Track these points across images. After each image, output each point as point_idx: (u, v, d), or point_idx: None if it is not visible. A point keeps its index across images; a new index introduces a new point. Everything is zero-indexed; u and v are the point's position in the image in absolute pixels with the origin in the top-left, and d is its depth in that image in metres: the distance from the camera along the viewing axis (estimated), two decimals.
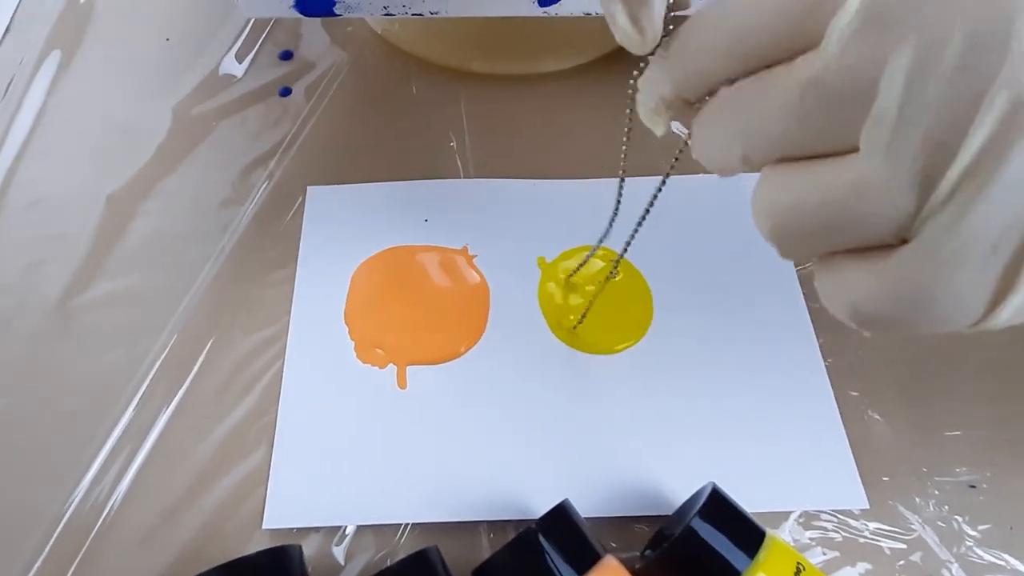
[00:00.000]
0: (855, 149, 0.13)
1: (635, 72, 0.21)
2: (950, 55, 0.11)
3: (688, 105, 0.16)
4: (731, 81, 0.15)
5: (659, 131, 0.18)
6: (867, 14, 0.12)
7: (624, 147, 0.24)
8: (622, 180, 0.24)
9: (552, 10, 0.30)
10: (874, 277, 0.13)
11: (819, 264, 0.15)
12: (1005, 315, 0.13)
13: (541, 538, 0.22)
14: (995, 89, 0.11)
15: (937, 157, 0.12)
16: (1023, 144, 0.11)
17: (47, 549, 0.25)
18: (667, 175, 0.22)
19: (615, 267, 0.26)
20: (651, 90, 0.17)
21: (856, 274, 0.14)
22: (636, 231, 0.24)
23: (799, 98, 0.13)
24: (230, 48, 0.39)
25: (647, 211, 0.23)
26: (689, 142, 0.17)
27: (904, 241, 0.13)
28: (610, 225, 0.26)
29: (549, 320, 0.30)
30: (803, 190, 0.14)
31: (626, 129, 0.24)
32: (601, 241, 0.26)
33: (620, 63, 0.39)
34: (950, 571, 0.25)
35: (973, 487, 0.27)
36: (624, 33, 0.16)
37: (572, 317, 0.29)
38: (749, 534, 0.22)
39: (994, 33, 0.11)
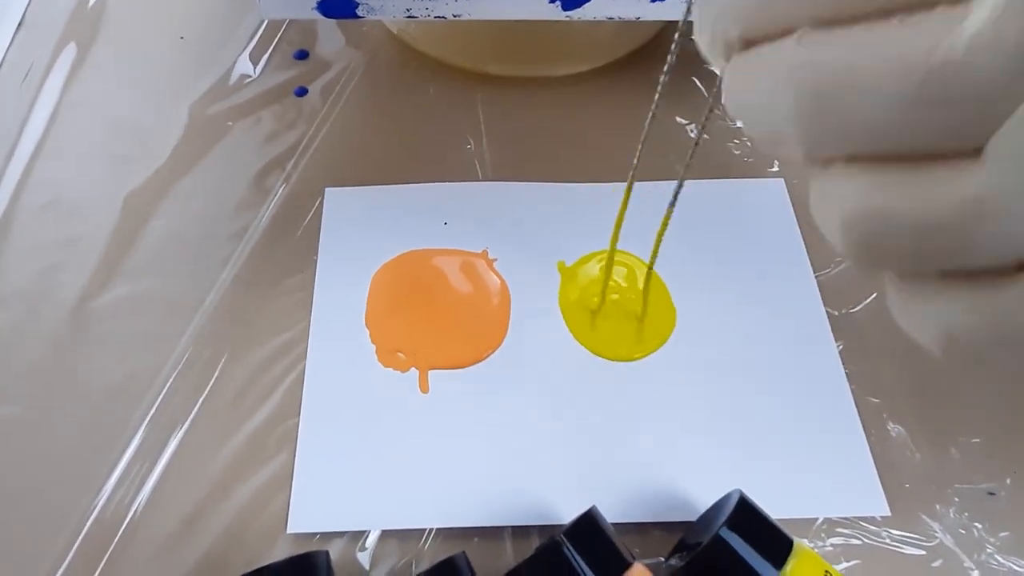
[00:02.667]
0: (977, 154, 0.10)
1: (661, 77, 0.21)
2: None
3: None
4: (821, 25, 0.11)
5: (717, 68, 0.13)
6: None
7: (639, 151, 0.24)
8: (630, 184, 0.24)
9: (575, 14, 0.30)
10: (978, 310, 0.11)
11: (901, 283, 0.12)
12: None
13: (569, 546, 0.22)
14: None
15: None
16: None
17: (69, 557, 0.25)
18: (682, 178, 0.22)
19: (648, 274, 0.26)
20: (710, 22, 0.13)
21: (955, 303, 0.11)
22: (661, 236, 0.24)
23: (921, 81, 0.10)
24: (245, 47, 0.39)
25: (670, 210, 0.24)
26: (722, 84, 0.13)
27: (1022, 268, 0.11)
28: (616, 230, 0.26)
29: (570, 325, 0.30)
30: (902, 201, 0.11)
31: (643, 137, 0.24)
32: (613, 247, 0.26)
33: (637, 66, 0.39)
34: None
35: (993, 494, 0.27)
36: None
37: (595, 300, 0.29)
38: (777, 543, 0.22)
39: None
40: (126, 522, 0.26)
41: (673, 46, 0.20)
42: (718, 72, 0.13)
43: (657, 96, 0.22)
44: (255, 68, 0.39)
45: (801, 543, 0.23)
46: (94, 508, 0.26)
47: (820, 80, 0.11)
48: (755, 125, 0.12)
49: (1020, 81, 0.09)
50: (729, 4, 0.12)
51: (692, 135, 0.35)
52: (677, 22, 0.19)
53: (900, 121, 0.10)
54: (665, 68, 0.20)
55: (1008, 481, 0.27)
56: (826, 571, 0.22)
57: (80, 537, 0.26)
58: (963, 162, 0.10)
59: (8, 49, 0.40)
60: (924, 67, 0.10)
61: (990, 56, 0.09)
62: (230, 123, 0.37)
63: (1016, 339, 0.11)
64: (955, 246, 0.11)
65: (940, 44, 0.09)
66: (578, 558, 0.21)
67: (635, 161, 0.24)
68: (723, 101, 0.13)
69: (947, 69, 0.09)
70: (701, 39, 0.13)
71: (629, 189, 0.24)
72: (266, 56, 0.39)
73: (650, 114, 0.23)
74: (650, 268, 0.25)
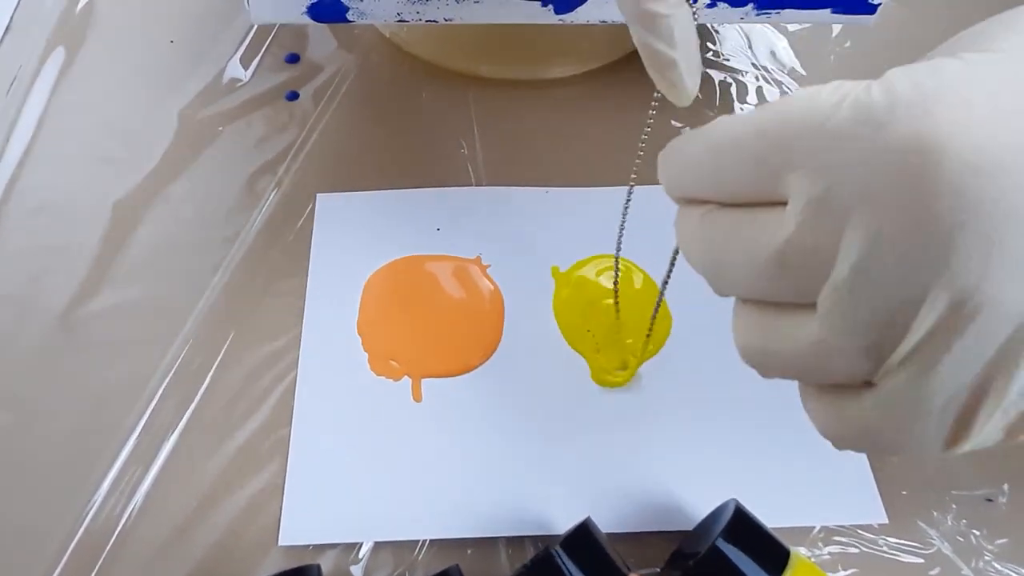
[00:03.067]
0: (813, 307, 0.13)
1: (656, 93, 0.21)
2: (892, 254, 0.12)
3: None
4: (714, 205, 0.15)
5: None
6: (820, 198, 0.13)
7: (639, 157, 0.24)
8: (631, 189, 0.24)
9: (568, 18, 0.30)
10: (841, 412, 0.14)
11: (801, 386, 0.16)
12: (961, 451, 0.13)
13: (564, 557, 0.21)
14: (936, 289, 0.12)
15: (885, 335, 0.13)
16: (962, 338, 0.12)
17: (59, 567, 0.25)
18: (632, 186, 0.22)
19: (662, 295, 0.25)
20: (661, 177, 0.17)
21: (826, 406, 0.15)
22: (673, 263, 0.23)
23: (768, 262, 0.14)
24: (236, 51, 0.39)
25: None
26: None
27: (869, 383, 0.14)
28: (620, 234, 0.25)
29: (564, 331, 0.30)
30: (770, 337, 0.15)
31: (642, 141, 0.24)
32: (618, 253, 0.26)
33: (631, 68, 0.38)
34: None
35: (990, 501, 0.27)
36: (664, 91, 0.20)
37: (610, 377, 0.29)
38: (774, 553, 0.22)
39: (934, 239, 0.11)
40: (116, 533, 0.26)
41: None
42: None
43: (654, 104, 0.22)
44: (246, 72, 0.38)
45: (798, 552, 0.22)
46: (84, 518, 0.26)
47: (710, 251, 0.15)
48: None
49: (826, 261, 0.13)
50: (662, 174, 0.17)
51: None
52: None
53: (758, 284, 0.14)
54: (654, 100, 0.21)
55: (1006, 487, 0.27)
56: None
57: (70, 547, 0.25)
58: (806, 312, 0.14)
59: None
60: (765, 253, 0.14)
61: (799, 256, 0.13)
62: (221, 128, 0.36)
63: (866, 438, 0.14)
64: (812, 373, 0.14)
65: (770, 240, 0.13)
66: (572, 570, 0.21)
67: (634, 169, 0.24)
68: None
69: (778, 256, 0.13)
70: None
71: (629, 197, 0.24)
72: (257, 60, 0.39)
73: (648, 121, 0.23)
74: (661, 293, 0.24)
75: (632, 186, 0.24)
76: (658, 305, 0.25)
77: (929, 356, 0.12)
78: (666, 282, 0.23)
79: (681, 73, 0.20)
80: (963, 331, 0.12)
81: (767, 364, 0.15)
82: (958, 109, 0.11)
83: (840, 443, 0.15)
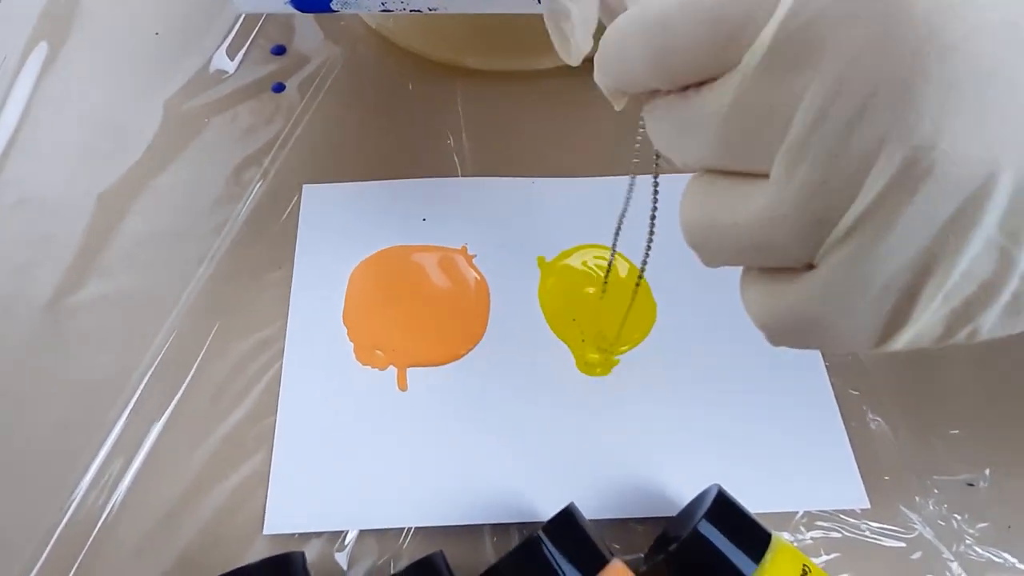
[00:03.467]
0: (766, 177, 0.13)
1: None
2: (850, 103, 0.11)
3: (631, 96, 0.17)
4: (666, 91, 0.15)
5: (616, 107, 0.18)
6: (776, 53, 0.12)
7: (637, 145, 0.23)
8: (632, 179, 0.24)
9: None
10: (777, 297, 0.14)
11: (742, 273, 0.15)
12: (899, 345, 0.13)
13: (548, 543, 0.21)
14: (892, 144, 0.11)
15: (835, 199, 0.12)
16: (913, 202, 0.11)
17: (42, 560, 0.25)
18: (656, 175, 0.22)
19: (641, 276, 0.25)
20: (599, 78, 0.17)
21: (764, 292, 0.14)
22: (651, 239, 0.23)
23: (719, 124, 0.13)
24: (221, 43, 0.39)
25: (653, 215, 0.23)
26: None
27: (810, 266, 0.13)
28: (619, 225, 0.25)
29: (550, 321, 0.30)
30: (718, 208, 0.14)
31: (638, 136, 0.24)
32: (615, 243, 0.26)
33: None
34: (950, 570, 0.25)
35: (972, 485, 0.27)
36: (557, 45, 0.20)
37: (591, 355, 0.29)
38: (755, 537, 0.22)
39: (894, 90, 0.11)
40: (100, 522, 0.26)
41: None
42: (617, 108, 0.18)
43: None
44: (232, 64, 0.38)
45: (779, 537, 0.22)
46: (68, 507, 0.26)
47: (673, 128, 0.15)
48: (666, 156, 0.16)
49: (783, 119, 0.12)
50: (600, 70, 0.16)
51: None
52: None
53: (712, 152, 0.14)
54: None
55: (987, 472, 0.27)
56: (804, 564, 0.22)
57: (54, 536, 0.25)
58: (757, 182, 0.13)
59: None
60: (718, 116, 0.13)
61: (753, 114, 0.13)
62: (206, 119, 0.36)
63: (800, 324, 0.13)
64: (756, 246, 0.13)
65: (723, 100, 0.13)
66: (556, 555, 0.21)
67: (635, 159, 0.24)
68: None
69: (732, 113, 0.13)
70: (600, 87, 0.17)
71: (631, 188, 0.24)
72: (243, 51, 0.39)
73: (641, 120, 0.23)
74: (640, 273, 0.24)
75: (633, 175, 0.24)
76: (638, 284, 0.25)
77: (876, 224, 0.11)
78: (644, 262, 0.23)
79: (574, 25, 0.19)
80: (914, 193, 0.11)
81: (711, 240, 0.14)
82: None
83: (776, 334, 0.14)
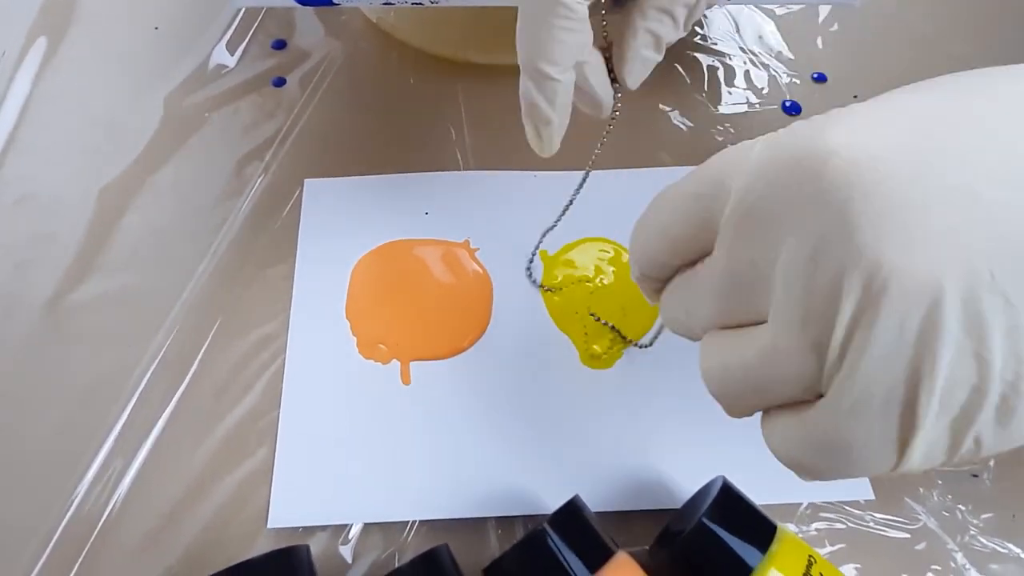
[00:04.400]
0: (764, 321, 0.15)
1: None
2: (808, 251, 0.13)
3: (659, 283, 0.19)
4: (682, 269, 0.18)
5: (651, 303, 0.20)
6: (739, 227, 0.15)
7: (603, 139, 0.25)
8: (587, 173, 0.25)
9: None
10: (797, 430, 0.15)
11: (762, 418, 0.17)
12: (916, 459, 0.14)
13: (553, 535, 0.21)
14: (850, 273, 0.13)
15: (821, 328, 0.13)
16: (881, 316, 0.13)
17: (46, 554, 0.25)
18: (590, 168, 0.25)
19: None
20: (634, 271, 0.20)
21: (784, 428, 0.15)
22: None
23: (715, 289, 0.16)
24: (221, 37, 0.39)
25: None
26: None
27: (820, 396, 0.14)
28: (562, 214, 0.28)
29: (553, 313, 0.30)
30: (728, 356, 0.16)
31: (608, 125, 0.26)
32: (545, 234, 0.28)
33: None
34: (955, 560, 0.25)
35: (976, 476, 0.27)
36: (530, 140, 0.24)
37: (595, 347, 0.29)
38: (761, 528, 0.22)
39: (841, 232, 0.13)
40: (104, 518, 0.26)
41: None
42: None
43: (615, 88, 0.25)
44: (232, 58, 0.38)
45: (785, 528, 0.22)
46: (71, 504, 0.26)
47: (686, 299, 0.18)
48: (678, 330, 0.19)
49: (764, 273, 0.15)
50: (631, 260, 0.19)
51: (675, 122, 0.35)
52: None
53: (716, 313, 0.16)
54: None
55: (991, 463, 0.27)
56: (809, 555, 0.22)
57: (58, 532, 0.25)
58: (761, 327, 0.15)
59: None
60: (712, 284, 0.16)
61: (740, 275, 0.15)
62: (207, 114, 0.36)
63: (824, 451, 0.14)
64: (767, 384, 0.15)
65: (714, 270, 0.16)
66: (561, 547, 0.21)
67: (597, 150, 0.25)
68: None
69: (724, 279, 0.16)
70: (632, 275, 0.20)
71: (584, 178, 0.25)
72: (243, 46, 0.38)
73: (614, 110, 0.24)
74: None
75: (589, 169, 0.26)
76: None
77: (859, 342, 0.13)
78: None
79: (552, 133, 0.24)
80: (879, 308, 0.13)
81: (727, 383, 0.16)
82: (841, 125, 0.14)
83: (805, 466, 0.15)
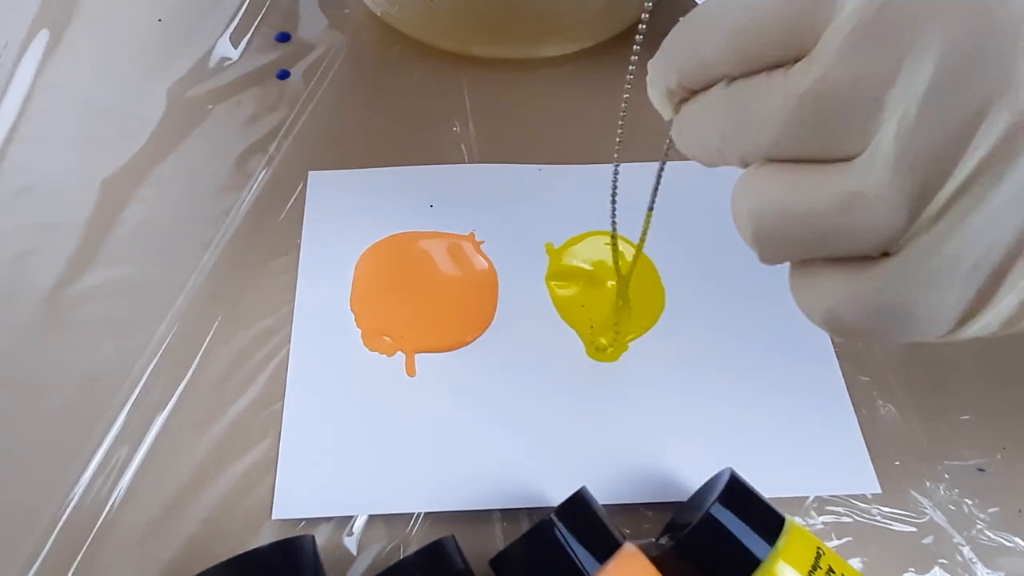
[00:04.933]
0: (849, 158, 0.13)
1: (633, 56, 0.21)
2: (955, 72, 0.11)
3: (693, 94, 0.16)
4: (731, 79, 0.15)
5: (665, 115, 0.18)
6: (868, 28, 0.12)
7: (619, 133, 0.24)
8: (617, 166, 0.24)
9: None
10: (852, 288, 0.13)
11: (796, 268, 0.15)
12: (973, 330, 0.13)
13: (560, 526, 0.21)
14: (997, 109, 0.11)
15: (935, 173, 0.12)
16: (1015, 169, 0.11)
17: (49, 544, 0.25)
18: (664, 159, 0.22)
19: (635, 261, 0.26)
20: (658, 77, 0.17)
21: (834, 283, 0.14)
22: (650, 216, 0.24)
23: (795, 107, 0.13)
24: (225, 30, 0.38)
25: (653, 197, 0.23)
26: (672, 130, 0.17)
27: (885, 254, 0.13)
28: (613, 212, 0.25)
29: (558, 306, 0.29)
30: (791, 197, 0.14)
31: (621, 116, 0.24)
32: (615, 230, 0.26)
33: (623, 47, 0.38)
34: (961, 554, 0.25)
35: (982, 471, 0.27)
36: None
37: (601, 340, 0.29)
38: (769, 520, 0.22)
39: (998, 53, 0.11)
40: (107, 509, 0.25)
41: (638, 36, 0.20)
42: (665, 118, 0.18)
43: (629, 78, 0.22)
44: (235, 51, 0.38)
45: (793, 520, 0.22)
46: (74, 495, 0.26)
47: (737, 116, 0.14)
48: (699, 154, 0.17)
49: (874, 97, 0.12)
50: (666, 62, 0.16)
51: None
52: (664, 5, 0.20)
53: (785, 138, 0.13)
54: (635, 47, 0.20)
55: (998, 457, 0.27)
56: (818, 547, 0.22)
57: (60, 523, 0.25)
58: (840, 166, 0.13)
59: None
60: (795, 100, 0.13)
61: (836, 96, 0.13)
62: (210, 106, 0.36)
63: (881, 313, 0.13)
64: (834, 234, 0.13)
65: (802, 82, 0.13)
66: (569, 538, 0.21)
67: (617, 145, 0.24)
68: (675, 142, 0.17)
69: (812, 98, 0.13)
70: (652, 94, 0.17)
71: (616, 174, 0.24)
72: (246, 38, 0.38)
73: (624, 99, 0.23)
74: (635, 259, 0.25)
75: (617, 161, 0.24)
76: (634, 262, 0.25)
77: (975, 194, 0.11)
78: (643, 239, 0.24)
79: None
80: (1017, 159, 0.11)
81: (781, 231, 0.14)
82: None
83: (848, 325, 0.14)
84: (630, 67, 0.21)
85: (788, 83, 0.13)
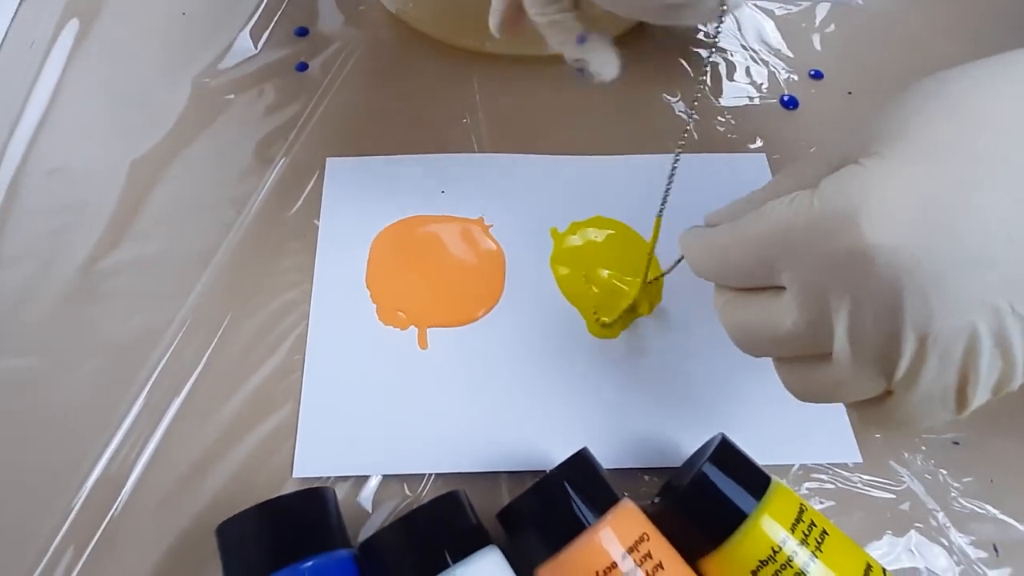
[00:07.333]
0: (828, 355, 0.20)
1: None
2: (870, 314, 0.18)
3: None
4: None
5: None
6: (805, 288, 0.19)
7: (687, 127, 0.27)
8: (677, 156, 0.26)
9: None
10: (876, 415, 0.20)
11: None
12: (966, 415, 0.19)
13: (563, 480, 0.23)
14: (906, 331, 0.18)
15: (887, 363, 0.18)
16: (935, 356, 0.18)
17: (81, 499, 0.27)
18: (677, 154, 0.25)
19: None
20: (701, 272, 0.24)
21: (864, 413, 0.21)
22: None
23: (783, 334, 0.20)
24: (246, 24, 0.40)
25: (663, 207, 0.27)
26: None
27: (888, 392, 0.20)
28: (664, 200, 0.27)
29: (561, 285, 0.31)
30: (808, 384, 0.21)
31: (689, 119, 0.27)
32: (661, 212, 0.28)
33: (630, 44, 0.40)
34: (936, 519, 0.27)
35: (957, 443, 0.29)
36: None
37: (604, 319, 0.31)
38: (756, 479, 0.24)
39: (891, 304, 0.18)
40: (138, 468, 0.27)
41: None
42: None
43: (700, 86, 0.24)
44: (256, 44, 0.40)
45: (779, 481, 0.24)
46: (104, 454, 0.27)
47: (740, 329, 0.23)
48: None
49: (828, 325, 0.19)
50: (701, 267, 0.23)
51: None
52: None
53: (785, 349, 0.21)
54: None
55: (972, 431, 0.29)
56: (801, 504, 0.23)
57: (92, 480, 0.27)
58: (825, 359, 0.20)
59: (12, 23, 0.40)
60: (782, 329, 0.21)
61: (808, 326, 0.20)
62: (232, 96, 0.38)
63: (901, 428, 0.21)
64: (845, 396, 0.20)
65: (783, 319, 0.20)
66: (571, 491, 0.23)
67: (683, 139, 0.26)
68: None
69: (792, 329, 0.20)
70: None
71: (675, 165, 0.26)
72: (267, 33, 0.40)
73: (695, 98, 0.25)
74: (650, 254, 0.27)
75: (679, 152, 0.26)
76: (649, 262, 0.27)
77: (920, 369, 0.18)
78: (653, 241, 0.27)
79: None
80: (933, 350, 0.18)
81: (807, 393, 0.22)
82: (881, 219, 0.17)
83: (879, 430, 0.27)
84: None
85: (776, 319, 0.20)
